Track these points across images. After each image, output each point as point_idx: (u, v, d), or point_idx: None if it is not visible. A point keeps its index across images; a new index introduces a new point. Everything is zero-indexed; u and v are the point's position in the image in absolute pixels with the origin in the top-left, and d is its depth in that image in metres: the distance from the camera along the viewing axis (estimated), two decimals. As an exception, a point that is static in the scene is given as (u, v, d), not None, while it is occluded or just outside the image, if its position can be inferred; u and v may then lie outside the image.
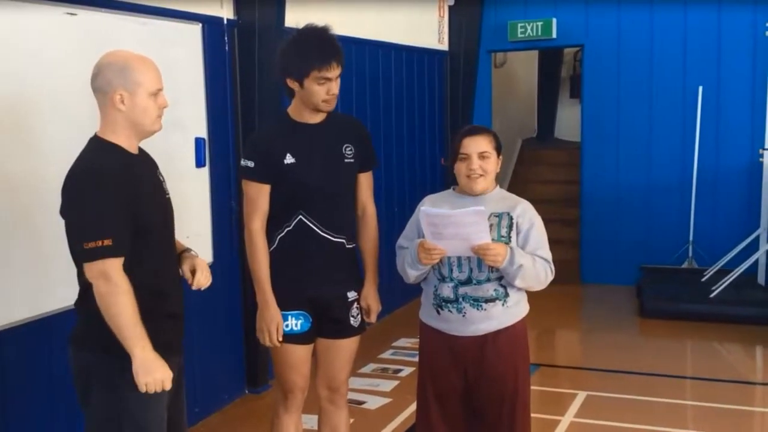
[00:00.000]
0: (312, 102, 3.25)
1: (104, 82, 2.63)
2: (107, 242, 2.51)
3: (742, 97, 7.97)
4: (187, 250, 2.96)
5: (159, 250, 2.76)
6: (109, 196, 2.54)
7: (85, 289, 2.65)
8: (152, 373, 2.55)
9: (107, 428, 2.66)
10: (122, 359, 2.55)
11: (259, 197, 3.30)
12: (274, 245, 3.33)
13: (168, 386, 2.59)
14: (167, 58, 4.45)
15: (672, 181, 8.26)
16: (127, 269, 2.58)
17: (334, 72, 3.21)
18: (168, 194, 2.86)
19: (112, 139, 2.67)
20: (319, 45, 3.21)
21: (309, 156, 3.28)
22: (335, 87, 3.24)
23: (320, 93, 3.22)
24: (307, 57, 3.19)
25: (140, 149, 2.79)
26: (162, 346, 2.62)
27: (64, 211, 2.63)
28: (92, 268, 2.54)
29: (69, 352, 2.75)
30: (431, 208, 3.10)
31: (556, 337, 7.26)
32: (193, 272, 2.88)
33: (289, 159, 3.26)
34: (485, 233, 3.01)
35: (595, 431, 4.78)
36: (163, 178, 2.87)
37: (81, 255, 2.56)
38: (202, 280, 2.87)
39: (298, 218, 3.28)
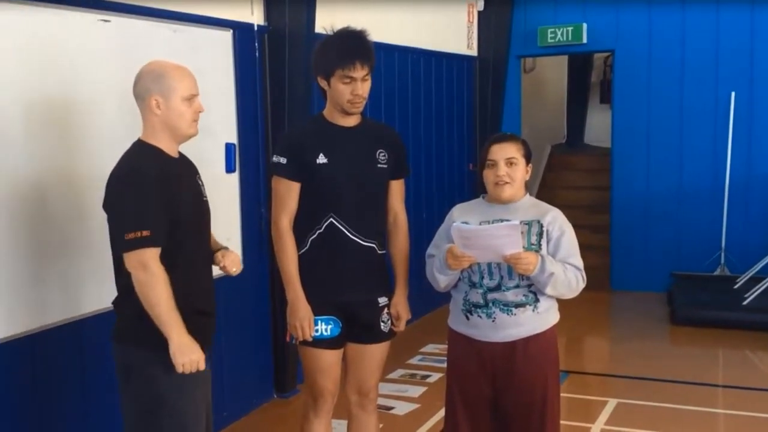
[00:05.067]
0: (338, 102, 3.26)
1: (142, 88, 2.82)
2: (145, 233, 2.68)
3: (776, 103, 7.89)
4: (225, 248, 3.13)
5: (193, 250, 2.90)
6: (147, 193, 2.72)
7: (123, 287, 2.81)
8: (188, 354, 2.71)
9: (147, 418, 2.82)
10: (159, 352, 2.71)
11: (288, 195, 3.30)
12: (306, 247, 3.33)
13: (202, 366, 2.77)
14: (198, 64, 4.47)
15: (704, 187, 8.17)
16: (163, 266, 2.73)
17: (359, 72, 3.19)
18: (206, 198, 3.01)
19: (153, 142, 2.84)
20: (346, 44, 3.22)
21: (342, 157, 3.28)
22: (361, 88, 3.22)
23: (345, 93, 3.22)
24: (332, 55, 3.21)
25: (181, 154, 2.94)
26: (200, 334, 2.81)
27: (107, 207, 2.81)
28: (132, 258, 2.70)
29: (112, 347, 2.90)
30: (463, 225, 3.09)
31: (586, 344, 7.21)
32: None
33: (321, 159, 3.26)
34: (518, 244, 3.00)
35: (626, 439, 4.75)
36: (202, 182, 3.01)
37: (121, 245, 2.72)
38: (228, 264, 3.05)
39: (328, 221, 3.28)
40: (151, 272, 2.68)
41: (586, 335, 7.25)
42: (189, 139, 2.91)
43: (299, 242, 3.33)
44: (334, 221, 3.28)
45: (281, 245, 3.31)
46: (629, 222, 8.52)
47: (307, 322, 3.28)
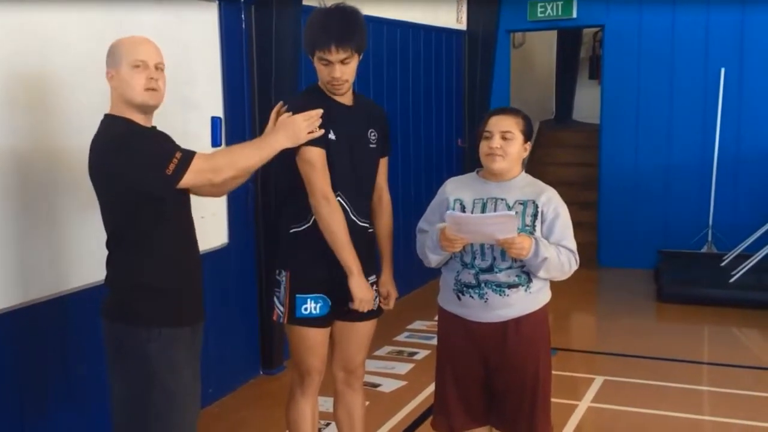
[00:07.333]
0: (321, 81, 3.20)
1: (105, 65, 2.80)
2: (178, 155, 2.68)
3: (766, 80, 7.86)
4: None
5: (180, 222, 2.86)
6: (147, 139, 2.73)
7: (117, 262, 2.79)
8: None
9: (138, 397, 2.78)
10: (150, 330, 2.70)
11: (326, 164, 3.14)
12: (308, 223, 3.21)
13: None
14: (184, 37, 4.44)
15: (692, 164, 8.17)
16: (150, 240, 2.73)
17: (335, 56, 3.07)
18: None
19: (119, 115, 2.78)
20: (327, 24, 3.09)
21: (345, 136, 3.20)
22: (339, 71, 3.10)
23: (323, 74, 3.14)
24: (313, 34, 3.12)
25: (154, 127, 2.87)
26: (192, 311, 2.86)
27: (115, 175, 2.70)
28: (188, 182, 2.70)
29: (102, 325, 2.85)
30: (456, 213, 3.04)
31: (573, 321, 7.22)
32: None
33: (332, 135, 3.16)
34: (512, 230, 2.94)
35: (613, 416, 4.75)
36: None
37: (171, 180, 2.68)
38: None
39: (336, 200, 3.19)
40: (210, 169, 2.72)
41: (573, 312, 7.26)
42: (150, 110, 2.80)
43: (301, 217, 3.23)
44: (341, 201, 3.20)
45: (335, 218, 3.14)
46: (617, 199, 8.52)
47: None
